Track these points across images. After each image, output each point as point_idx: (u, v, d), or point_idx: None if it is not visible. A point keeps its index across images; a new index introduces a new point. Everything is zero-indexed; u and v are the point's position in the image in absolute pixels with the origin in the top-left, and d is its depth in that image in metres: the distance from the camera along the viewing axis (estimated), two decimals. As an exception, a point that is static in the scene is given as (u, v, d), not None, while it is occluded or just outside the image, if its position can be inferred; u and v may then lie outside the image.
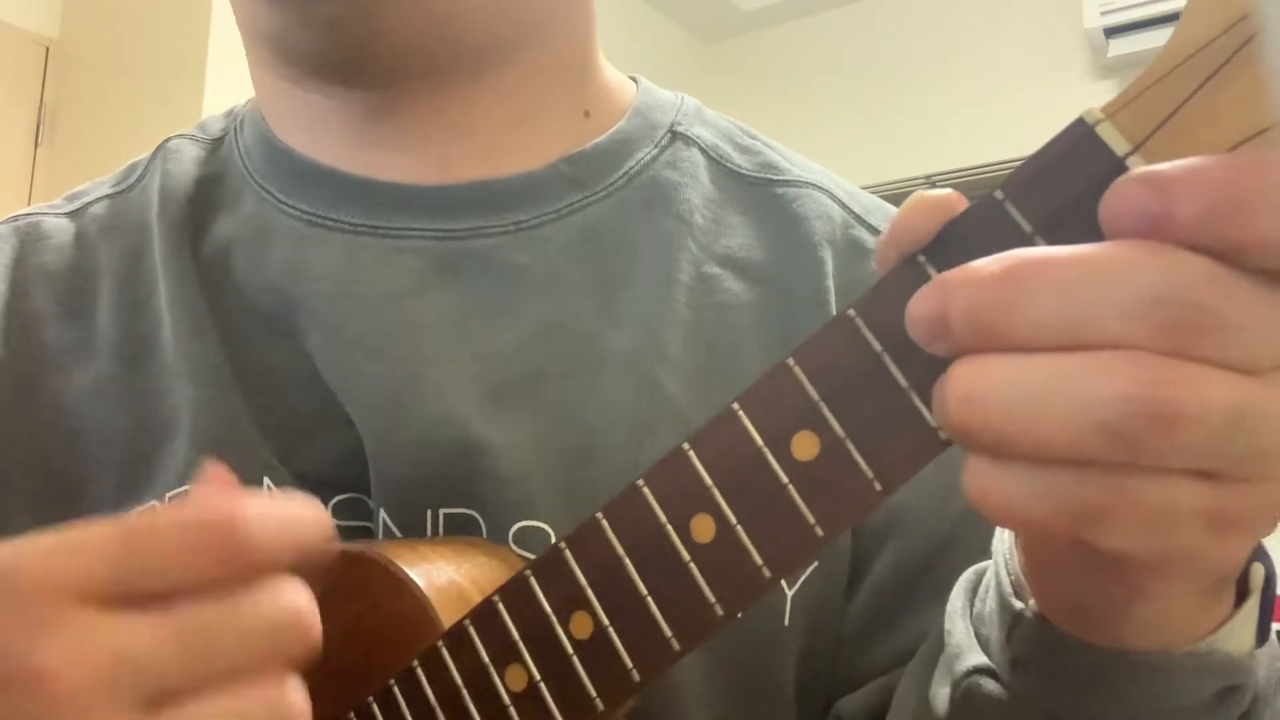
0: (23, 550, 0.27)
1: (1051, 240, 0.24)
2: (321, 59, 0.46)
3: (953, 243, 0.26)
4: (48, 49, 2.63)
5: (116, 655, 0.26)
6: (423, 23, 0.45)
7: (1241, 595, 0.30)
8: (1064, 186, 0.24)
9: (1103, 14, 2.77)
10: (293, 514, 0.29)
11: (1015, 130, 2.93)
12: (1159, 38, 2.71)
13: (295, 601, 0.29)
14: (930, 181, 3.08)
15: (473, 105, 0.49)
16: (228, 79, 2.35)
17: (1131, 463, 0.22)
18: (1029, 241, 0.25)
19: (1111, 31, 2.78)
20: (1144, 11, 2.71)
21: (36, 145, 2.58)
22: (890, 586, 0.45)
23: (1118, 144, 0.24)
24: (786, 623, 0.44)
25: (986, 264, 0.24)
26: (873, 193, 0.54)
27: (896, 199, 0.55)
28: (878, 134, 3.13)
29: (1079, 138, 0.24)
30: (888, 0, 3.26)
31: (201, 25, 2.38)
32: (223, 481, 0.31)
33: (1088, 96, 2.88)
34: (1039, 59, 2.96)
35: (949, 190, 0.26)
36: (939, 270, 0.26)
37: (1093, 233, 0.23)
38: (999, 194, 0.25)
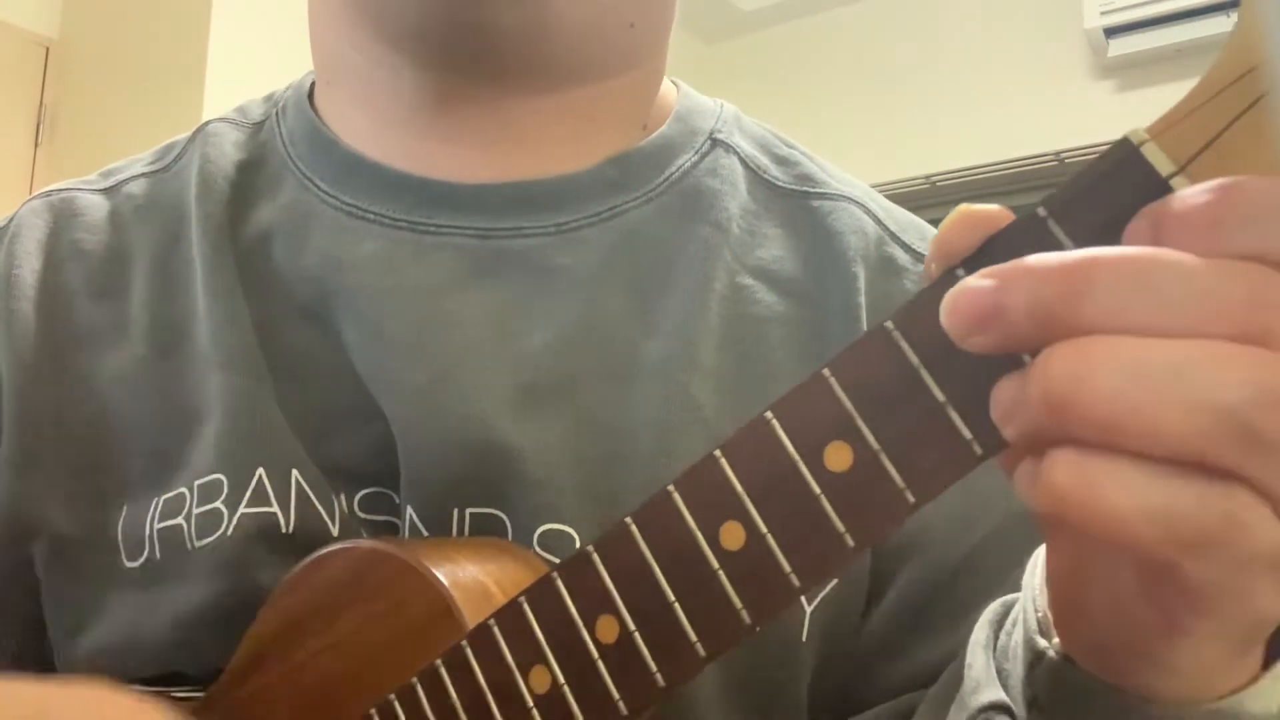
0: None
1: None
2: (422, 26, 0.46)
3: (994, 257, 0.25)
4: (48, 49, 2.63)
5: None
6: (526, 19, 0.45)
7: (1269, 659, 0.29)
8: (1107, 205, 0.24)
9: (1103, 14, 2.76)
10: None
11: (1015, 130, 2.93)
12: (1159, 38, 2.72)
13: None
14: (930, 181, 3.08)
15: (542, 114, 0.49)
16: (228, 79, 2.35)
17: (1241, 471, 0.21)
18: None
19: (1111, 31, 2.78)
20: (1144, 11, 2.71)
21: (36, 145, 2.57)
22: (906, 608, 0.44)
23: (1162, 164, 0.24)
24: (804, 638, 0.44)
25: (1047, 257, 0.23)
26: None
27: (897, 199, 0.56)
28: (878, 134, 3.13)
29: (1124, 157, 0.24)
30: (888, 0, 3.26)
31: (201, 25, 2.38)
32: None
33: (1088, 96, 2.88)
34: (1039, 59, 2.96)
35: (994, 205, 0.26)
36: None
37: None
38: (1042, 211, 0.25)
